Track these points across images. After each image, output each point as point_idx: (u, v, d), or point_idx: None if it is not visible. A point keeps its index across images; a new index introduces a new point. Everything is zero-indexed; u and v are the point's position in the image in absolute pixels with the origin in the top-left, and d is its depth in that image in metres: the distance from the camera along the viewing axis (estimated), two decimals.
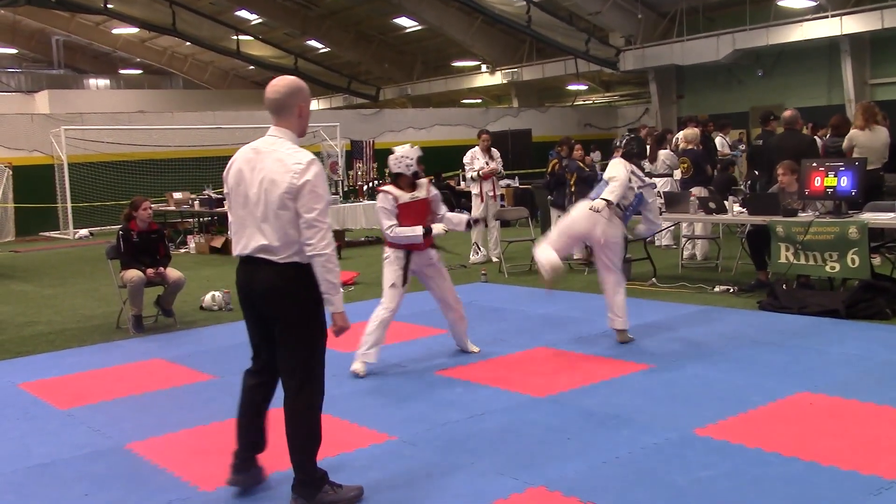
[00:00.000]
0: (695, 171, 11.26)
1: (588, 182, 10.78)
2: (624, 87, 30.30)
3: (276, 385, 4.07)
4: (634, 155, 6.97)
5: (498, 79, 29.15)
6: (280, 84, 3.83)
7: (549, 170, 11.74)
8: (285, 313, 3.79)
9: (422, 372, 6.17)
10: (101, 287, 10.95)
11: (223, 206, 15.27)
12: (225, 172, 3.97)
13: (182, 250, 15.42)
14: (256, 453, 4.14)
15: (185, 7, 26.94)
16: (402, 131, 24.88)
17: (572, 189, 10.88)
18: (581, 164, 10.97)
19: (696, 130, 11.87)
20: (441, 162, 21.12)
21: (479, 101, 33.36)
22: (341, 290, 3.82)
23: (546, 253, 6.52)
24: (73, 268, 13.70)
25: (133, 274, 8.05)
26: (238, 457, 4.11)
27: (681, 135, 12.72)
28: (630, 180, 6.74)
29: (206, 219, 16.70)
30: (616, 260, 6.76)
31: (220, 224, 16.23)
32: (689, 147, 11.53)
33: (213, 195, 15.95)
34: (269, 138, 3.84)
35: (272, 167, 3.72)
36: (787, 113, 10.14)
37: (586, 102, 31.92)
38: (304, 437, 3.87)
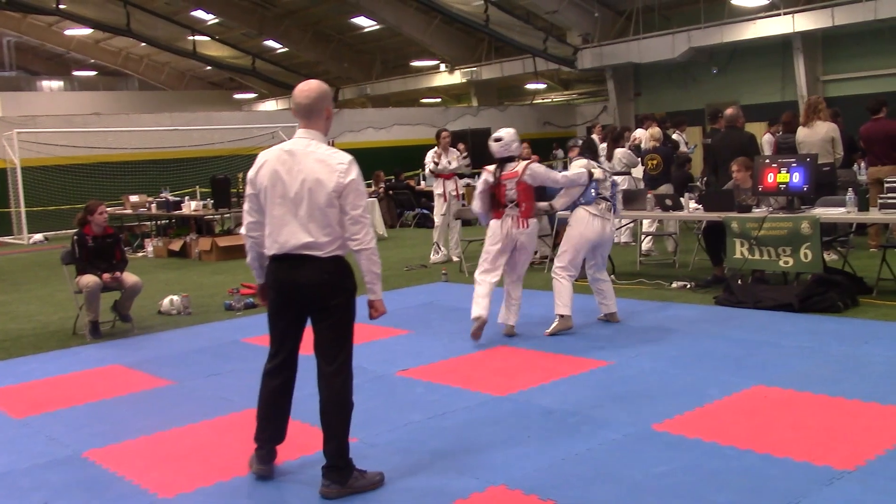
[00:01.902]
0: (664, 168, 11.43)
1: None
2: (582, 86, 30.52)
3: (295, 375, 4.23)
4: (591, 153, 7.43)
5: (457, 78, 29.21)
6: (310, 88, 4.04)
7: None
8: (332, 303, 4.00)
9: (383, 373, 6.17)
10: (56, 293, 10.80)
11: (181, 209, 15.17)
12: (252, 174, 4.10)
13: (140, 254, 15.26)
14: (279, 443, 4.29)
15: (139, 7, 26.59)
16: (362, 131, 24.86)
17: None
18: None
19: (658, 129, 12.04)
20: (401, 161, 21.13)
21: (439, 100, 33.39)
22: (381, 279, 4.10)
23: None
24: (27, 273, 13.48)
25: (89, 279, 7.95)
26: (264, 447, 4.25)
27: (640, 132, 12.86)
28: (594, 174, 7.13)
29: (163, 222, 16.53)
30: (607, 256, 7.47)
31: (178, 227, 16.09)
32: (657, 145, 11.71)
33: (171, 198, 15.80)
34: (302, 140, 4.02)
35: (315, 167, 3.92)
36: (728, 111, 10.31)
37: (545, 101, 32.11)
38: (344, 417, 4.06)
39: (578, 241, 7.14)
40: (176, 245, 14.82)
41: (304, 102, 4.01)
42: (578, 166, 7.19)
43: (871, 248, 9.87)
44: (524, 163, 6.93)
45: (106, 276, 8.01)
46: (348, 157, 3.97)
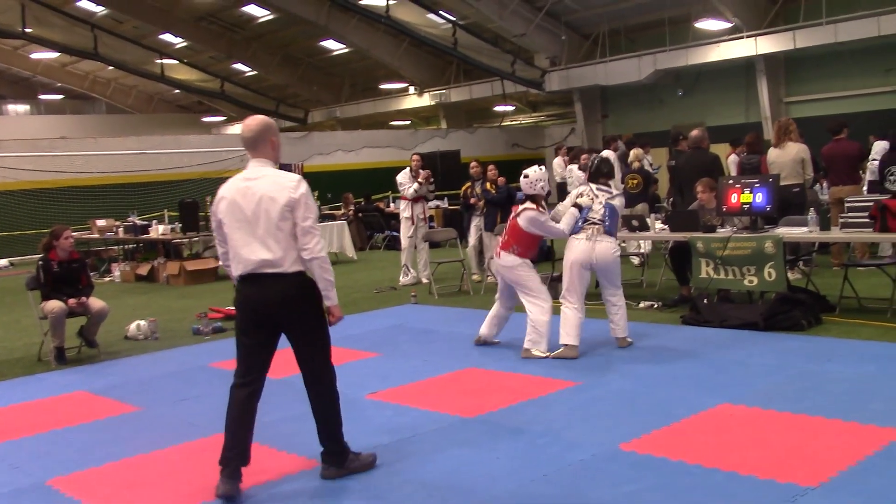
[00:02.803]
0: (644, 188, 11.66)
1: (496, 203, 11.09)
2: (550, 108, 30.76)
3: (263, 386, 4.46)
4: (602, 175, 7.45)
5: (426, 100, 29.33)
6: (252, 123, 4.45)
7: (462, 192, 11.93)
8: (302, 317, 4.36)
9: (352, 396, 6.14)
10: (21, 319, 10.66)
11: (149, 233, 15.06)
12: (213, 207, 4.46)
13: (107, 279, 15.12)
14: (244, 464, 4.38)
15: (106, 31, 26.50)
16: (331, 154, 24.86)
17: (483, 210, 11.29)
18: (489, 187, 11.22)
19: (641, 150, 12.34)
20: (370, 184, 21.14)
21: (409, 122, 33.50)
22: (334, 285, 4.40)
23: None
24: None
25: (54, 305, 7.87)
26: (229, 465, 4.33)
27: (607, 153, 12.97)
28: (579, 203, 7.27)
29: (131, 246, 16.39)
30: (614, 277, 7.25)
31: (145, 251, 15.97)
32: (640, 165, 11.95)
33: (139, 222, 15.68)
34: (254, 169, 4.39)
35: (268, 187, 4.28)
36: (693, 133, 10.47)
37: (514, 123, 32.31)
38: (334, 412, 4.50)
39: (569, 267, 7.16)
40: (143, 269, 14.71)
41: (248, 136, 4.40)
42: (577, 190, 7.45)
43: (833, 267, 10.03)
44: (523, 206, 7.19)
45: (71, 301, 7.93)
46: (297, 177, 4.39)
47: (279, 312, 4.31)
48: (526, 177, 7.12)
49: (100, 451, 5.26)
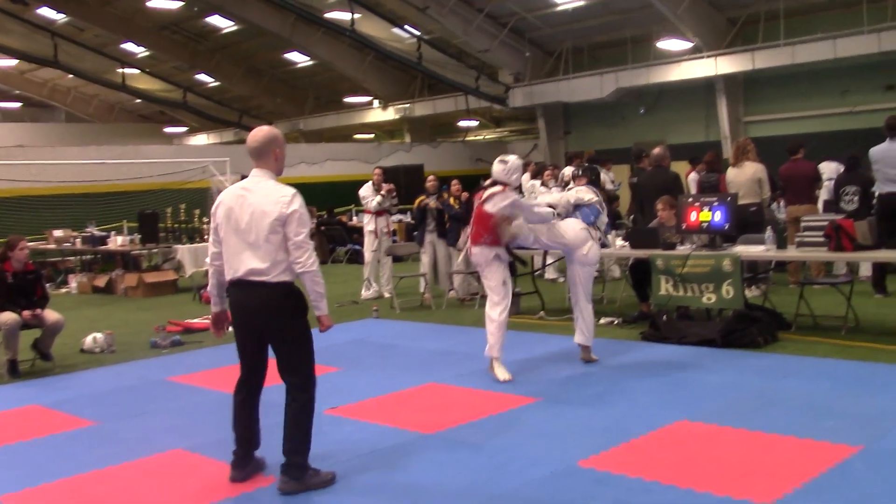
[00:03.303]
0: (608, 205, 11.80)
1: (458, 219, 11.08)
2: (514, 123, 30.91)
3: (262, 385, 4.72)
4: (592, 182, 7.58)
5: (390, 114, 29.32)
6: (258, 133, 4.59)
7: (416, 206, 11.79)
8: (281, 325, 4.49)
9: None
10: None
11: (107, 244, 14.86)
12: (213, 209, 4.64)
13: (63, 290, 14.89)
14: (254, 449, 4.75)
15: (67, 39, 26.16)
16: (295, 166, 24.68)
17: (447, 225, 11.22)
18: (451, 202, 11.23)
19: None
20: (334, 197, 21.05)
21: (373, 136, 33.47)
22: (326, 297, 4.55)
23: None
24: None
25: (8, 317, 7.72)
26: (237, 455, 4.69)
27: (568, 170, 13.06)
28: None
29: (89, 257, 16.15)
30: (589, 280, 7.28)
31: (104, 263, 15.74)
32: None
33: (97, 232, 15.45)
34: (254, 178, 4.55)
35: (261, 200, 4.44)
36: (655, 151, 10.59)
37: (477, 138, 32.42)
38: (307, 425, 4.53)
39: (562, 229, 7.17)
40: (101, 281, 14.51)
41: (254, 146, 4.55)
42: (586, 192, 7.37)
43: (790, 285, 10.18)
44: (490, 190, 6.80)
45: (26, 313, 7.80)
46: (291, 191, 4.48)
47: (260, 319, 4.49)
48: (504, 162, 6.81)
49: (53, 466, 5.17)
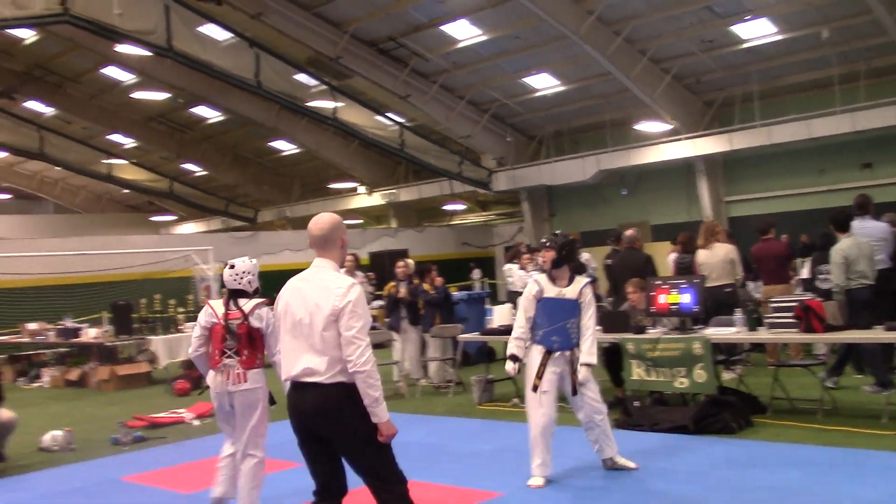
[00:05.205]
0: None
1: (435, 304, 10.92)
2: (499, 206, 31.07)
3: (344, 494, 4.27)
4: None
5: (376, 199, 29.46)
6: (323, 221, 4.28)
7: (387, 293, 11.52)
8: (342, 430, 4.05)
9: None
10: None
11: (80, 336, 14.63)
12: (275, 303, 4.35)
13: (36, 384, 14.61)
14: None
15: (53, 131, 26.43)
16: (279, 253, 24.66)
17: (422, 311, 11.00)
18: (427, 288, 11.10)
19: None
20: None
21: (360, 221, 33.59)
22: (383, 402, 4.06)
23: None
24: None
25: None
26: None
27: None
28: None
29: (64, 350, 15.90)
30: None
31: (79, 355, 15.49)
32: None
33: (71, 325, 15.24)
34: (314, 269, 4.24)
35: (318, 294, 4.10)
36: (627, 232, 10.56)
37: (464, 221, 32.55)
38: None
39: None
40: (73, 374, 14.25)
41: (317, 234, 4.25)
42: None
43: (769, 365, 9.99)
44: (253, 301, 5.67)
45: None
46: (349, 281, 4.13)
47: (318, 424, 4.08)
48: (231, 267, 5.69)
49: None
